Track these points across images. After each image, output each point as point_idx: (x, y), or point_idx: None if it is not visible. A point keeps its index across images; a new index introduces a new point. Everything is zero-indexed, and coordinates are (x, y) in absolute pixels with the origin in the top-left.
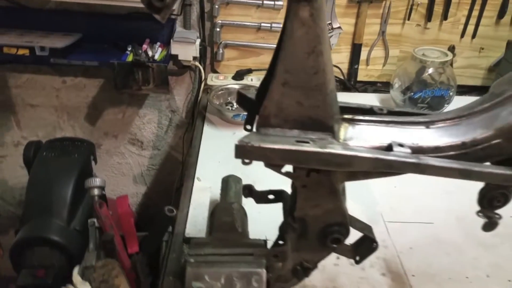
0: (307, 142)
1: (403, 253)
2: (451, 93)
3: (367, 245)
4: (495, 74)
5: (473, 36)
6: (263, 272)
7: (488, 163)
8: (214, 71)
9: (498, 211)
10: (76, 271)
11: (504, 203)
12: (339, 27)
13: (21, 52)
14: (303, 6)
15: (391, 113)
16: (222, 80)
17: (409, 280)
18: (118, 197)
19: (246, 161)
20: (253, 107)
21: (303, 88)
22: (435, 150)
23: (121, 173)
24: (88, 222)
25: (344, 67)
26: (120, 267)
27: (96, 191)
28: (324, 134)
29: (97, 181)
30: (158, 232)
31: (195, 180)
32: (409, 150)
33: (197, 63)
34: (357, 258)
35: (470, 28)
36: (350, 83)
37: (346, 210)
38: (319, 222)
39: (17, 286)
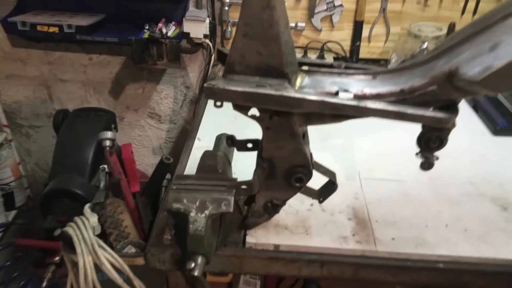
0: (265, 86)
1: (371, 204)
2: None
3: (329, 188)
4: None
5: (474, 13)
6: (231, 198)
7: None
8: (224, 48)
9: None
10: (87, 206)
11: (439, 145)
12: (341, 5)
13: (51, 29)
14: None
15: (347, 67)
16: None
17: (371, 224)
18: (123, 144)
19: (218, 104)
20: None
21: (261, 39)
22: (376, 97)
23: (141, 145)
24: (99, 168)
25: (346, 44)
26: (125, 205)
27: (107, 142)
28: (281, 81)
29: (108, 134)
30: (158, 178)
31: (196, 139)
32: (351, 95)
33: (207, 41)
34: (321, 198)
35: (471, 5)
36: (352, 60)
37: (307, 153)
38: (284, 163)
39: (43, 228)
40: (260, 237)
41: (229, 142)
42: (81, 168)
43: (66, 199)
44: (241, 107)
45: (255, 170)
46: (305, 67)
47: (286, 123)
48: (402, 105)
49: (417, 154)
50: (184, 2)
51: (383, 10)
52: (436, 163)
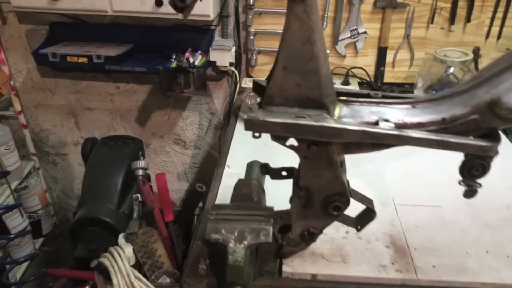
0: (304, 117)
1: (408, 231)
2: None
3: (367, 215)
4: None
5: (498, 37)
6: (270, 228)
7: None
8: (249, 75)
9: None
10: (121, 236)
11: (482, 173)
12: (365, 32)
13: (81, 60)
14: (297, 4)
15: (385, 97)
16: None
17: (410, 252)
18: (157, 174)
19: (256, 134)
20: (264, 92)
21: (300, 72)
22: (417, 125)
23: (166, 170)
24: (132, 197)
25: (371, 69)
26: (158, 234)
27: (140, 172)
28: (320, 111)
29: (141, 163)
30: (190, 206)
31: (226, 167)
32: (392, 125)
33: (233, 69)
34: (359, 227)
35: (495, 29)
36: (376, 84)
37: (345, 181)
38: (322, 191)
39: (74, 257)
40: (296, 266)
41: (263, 170)
42: (110, 196)
43: (95, 227)
44: (280, 138)
45: (292, 199)
46: (343, 97)
47: (324, 153)
48: (445, 134)
49: (460, 182)
50: (211, 32)
51: (407, 36)
52: None
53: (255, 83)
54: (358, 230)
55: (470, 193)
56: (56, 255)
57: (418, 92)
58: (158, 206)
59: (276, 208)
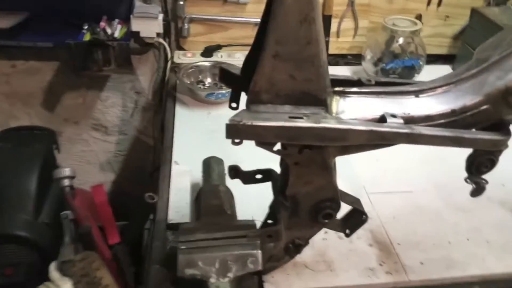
0: (301, 118)
1: (387, 223)
2: (421, 63)
3: (356, 218)
4: (460, 42)
5: (439, 4)
6: (258, 253)
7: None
8: (180, 48)
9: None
10: (53, 267)
11: (490, 168)
12: None
13: None
14: None
15: (378, 83)
16: (190, 57)
17: (395, 249)
18: (93, 186)
19: (237, 141)
20: (238, 83)
21: (296, 60)
22: (426, 119)
23: (86, 161)
24: (60, 215)
25: None
26: (101, 259)
27: (66, 182)
28: (317, 109)
29: (66, 171)
30: (139, 220)
31: (173, 164)
32: (401, 121)
33: (161, 40)
34: (347, 231)
35: None
36: None
37: (337, 185)
38: (310, 198)
39: None
40: (280, 282)
41: (231, 173)
42: (22, 204)
43: (9, 245)
44: (267, 143)
45: (278, 211)
46: (338, 88)
47: (318, 157)
48: (458, 130)
49: (466, 180)
50: None
51: (351, 3)
52: (438, 168)
53: (224, 71)
54: (347, 235)
55: (478, 191)
56: None
57: (366, 65)
58: (96, 223)
59: (249, 213)
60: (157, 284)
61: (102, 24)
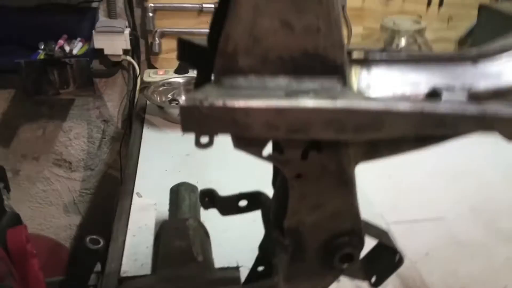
0: (306, 93)
1: (419, 263)
2: None
3: (386, 259)
4: (467, 46)
5: (440, 4)
6: None
7: None
8: (152, 66)
9: None
10: None
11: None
12: None
13: None
14: None
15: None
16: (162, 75)
17: None
18: (10, 229)
19: (204, 140)
20: (205, 58)
21: None
22: (495, 95)
23: (48, 203)
24: None
25: None
26: None
27: None
28: (330, 81)
29: None
30: (81, 274)
31: (134, 196)
32: (463, 95)
33: (129, 58)
34: (373, 279)
35: None
36: None
37: (359, 210)
38: (320, 232)
39: None
40: None
41: (205, 201)
42: None
43: None
44: (253, 142)
45: (273, 254)
46: (357, 54)
47: (332, 163)
48: None
49: None
50: (92, 12)
51: (342, 7)
52: (470, 187)
53: (183, 43)
54: (374, 286)
55: None
56: None
57: None
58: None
59: (231, 258)
60: None
61: (61, 42)
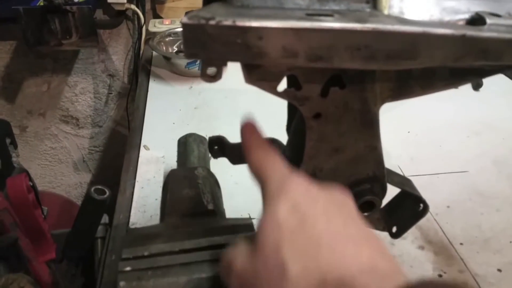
0: (330, 15)
1: (440, 215)
2: None
3: (409, 208)
4: None
5: None
6: None
7: None
8: (157, 16)
9: None
10: None
11: None
12: None
13: None
14: None
15: None
16: (169, 25)
17: (457, 251)
18: (10, 178)
19: (210, 71)
20: None
21: None
22: None
23: (57, 160)
24: None
25: None
26: (33, 282)
27: None
28: (358, 3)
29: None
30: (88, 225)
31: (142, 149)
32: (510, 22)
33: (133, 7)
34: (394, 229)
35: None
36: None
37: (382, 154)
38: (339, 179)
39: None
40: None
41: (214, 150)
42: None
43: None
44: (266, 75)
45: None
46: None
47: (356, 100)
48: None
49: None
50: None
51: None
52: (492, 141)
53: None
54: (394, 236)
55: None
56: None
57: None
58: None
59: (243, 210)
60: None
61: None
